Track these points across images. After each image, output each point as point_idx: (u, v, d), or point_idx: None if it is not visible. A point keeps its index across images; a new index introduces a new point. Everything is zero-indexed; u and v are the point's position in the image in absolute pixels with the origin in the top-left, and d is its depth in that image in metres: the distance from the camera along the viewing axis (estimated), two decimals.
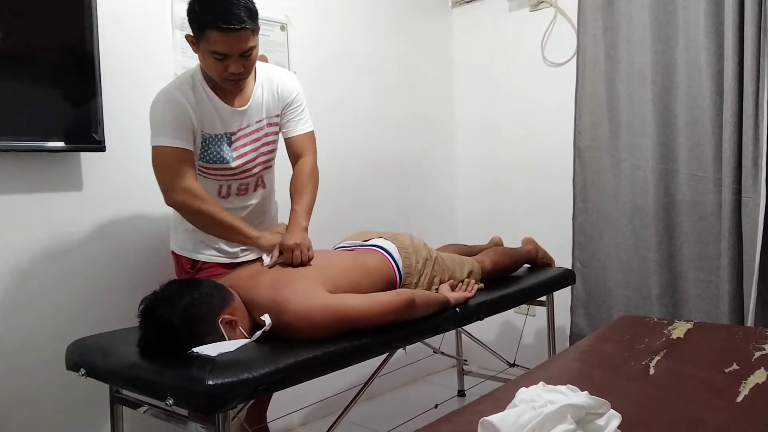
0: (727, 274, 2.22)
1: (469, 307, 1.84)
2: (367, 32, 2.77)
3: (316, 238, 1.80)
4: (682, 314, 2.38)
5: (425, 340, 1.81)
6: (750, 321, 2.16)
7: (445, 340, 2.18)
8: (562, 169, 2.72)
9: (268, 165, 1.85)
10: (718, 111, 2.24)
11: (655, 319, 1.91)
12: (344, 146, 2.64)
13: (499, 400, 1.23)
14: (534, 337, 2.88)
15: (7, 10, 1.63)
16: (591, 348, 1.69)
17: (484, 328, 2.35)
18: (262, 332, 1.44)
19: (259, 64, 1.76)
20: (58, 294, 1.83)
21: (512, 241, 2.46)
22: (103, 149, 1.83)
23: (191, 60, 2.07)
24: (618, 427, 1.07)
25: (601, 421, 1.06)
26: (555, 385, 1.16)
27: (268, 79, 1.79)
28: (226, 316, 1.42)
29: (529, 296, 2.23)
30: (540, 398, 1.09)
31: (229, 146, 1.73)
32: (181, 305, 1.36)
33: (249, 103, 1.75)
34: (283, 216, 1.99)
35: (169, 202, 1.67)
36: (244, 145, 1.76)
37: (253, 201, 1.86)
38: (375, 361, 1.60)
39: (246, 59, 1.61)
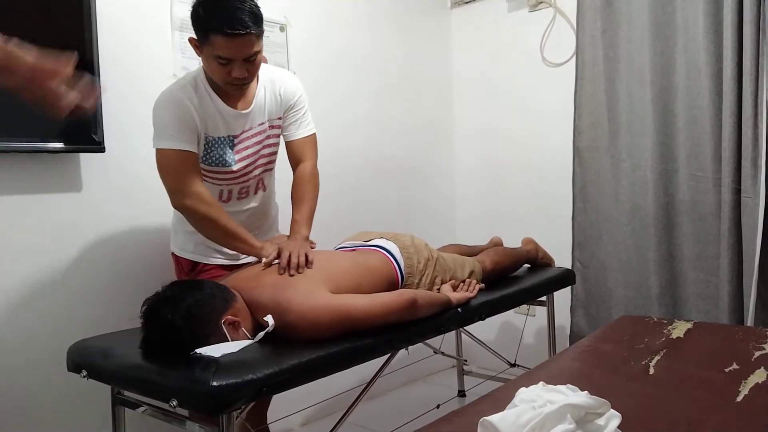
0: (727, 274, 2.23)
1: (470, 307, 1.84)
2: (367, 33, 2.78)
3: (318, 239, 1.80)
4: (681, 314, 2.39)
5: (425, 341, 1.81)
6: (750, 321, 2.16)
7: (445, 340, 2.18)
8: (561, 169, 2.72)
9: (268, 167, 1.85)
10: (718, 111, 2.24)
11: (655, 319, 1.91)
12: (344, 146, 2.64)
13: (499, 400, 1.23)
14: (534, 337, 2.89)
15: (7, 11, 1.63)
16: (591, 348, 1.69)
17: (484, 329, 2.36)
18: (265, 333, 1.44)
19: (261, 66, 1.76)
20: (58, 295, 1.83)
21: (512, 241, 2.46)
22: (102, 150, 1.83)
23: (190, 61, 2.07)
24: (618, 427, 1.07)
25: (600, 421, 1.07)
26: (555, 384, 1.16)
27: (271, 81, 1.78)
28: (229, 317, 1.41)
29: (529, 296, 2.23)
30: (540, 398, 1.09)
31: (232, 149, 1.72)
32: (184, 306, 1.35)
33: (252, 106, 1.73)
34: (283, 218, 1.99)
35: (176, 205, 1.66)
36: (246, 148, 1.75)
37: (254, 204, 1.85)
38: (375, 362, 1.60)
39: (250, 64, 1.60)
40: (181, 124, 1.62)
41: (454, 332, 2.71)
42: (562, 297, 2.56)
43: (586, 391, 1.11)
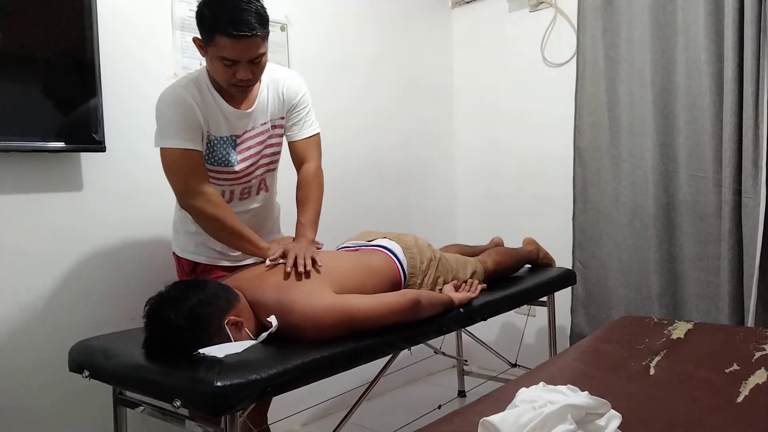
0: (728, 275, 2.23)
1: (472, 307, 1.85)
2: (367, 32, 2.77)
3: (320, 242, 1.80)
4: (682, 314, 2.39)
5: (426, 341, 1.81)
6: (750, 321, 2.16)
7: (446, 340, 2.18)
8: (562, 170, 2.72)
9: (271, 168, 1.84)
10: (718, 111, 2.24)
11: (656, 320, 1.91)
12: (343, 145, 2.64)
13: (500, 400, 1.24)
14: (535, 337, 2.89)
15: (7, 10, 1.63)
16: (591, 348, 1.69)
17: (484, 329, 2.36)
18: (269, 333, 1.44)
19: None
20: (58, 294, 1.83)
21: (513, 241, 2.46)
22: (103, 149, 1.83)
23: (191, 60, 2.08)
24: (618, 428, 1.08)
25: (601, 422, 1.07)
26: (555, 385, 1.16)
27: (274, 81, 1.76)
28: (232, 318, 1.41)
29: (530, 296, 2.23)
30: (540, 398, 1.09)
31: (234, 149, 1.71)
32: (187, 306, 1.35)
33: (254, 106, 1.72)
34: (284, 218, 1.99)
35: (184, 205, 1.65)
36: (249, 148, 1.74)
37: (256, 204, 1.85)
38: (375, 362, 1.60)
39: (255, 66, 1.57)
40: (185, 123, 1.60)
41: (454, 332, 2.71)
42: (563, 297, 2.56)
43: (587, 392, 1.11)
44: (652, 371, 1.48)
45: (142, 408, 1.47)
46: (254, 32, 1.50)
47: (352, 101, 2.71)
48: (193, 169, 1.61)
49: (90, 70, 1.78)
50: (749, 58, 2.12)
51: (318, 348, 1.39)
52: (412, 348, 1.67)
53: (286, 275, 1.54)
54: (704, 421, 1.19)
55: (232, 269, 1.77)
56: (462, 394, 2.81)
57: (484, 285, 1.99)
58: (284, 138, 1.85)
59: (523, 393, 1.13)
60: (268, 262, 1.62)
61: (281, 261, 1.60)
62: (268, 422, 2.00)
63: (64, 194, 1.84)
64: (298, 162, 1.83)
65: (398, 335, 1.56)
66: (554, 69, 2.81)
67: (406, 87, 2.96)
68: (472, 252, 2.23)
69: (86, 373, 1.44)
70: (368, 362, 1.50)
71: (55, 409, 1.81)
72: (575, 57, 2.65)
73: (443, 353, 2.36)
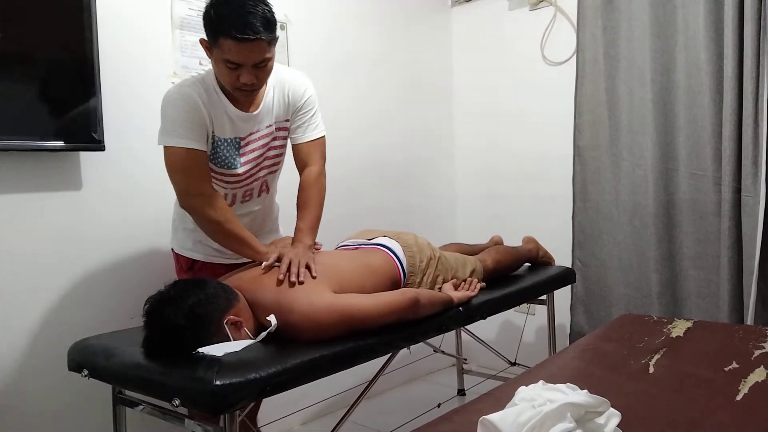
0: (727, 273, 2.23)
1: (472, 306, 1.85)
2: (366, 31, 2.77)
3: (319, 243, 1.80)
4: (681, 313, 2.39)
5: (426, 340, 1.81)
6: (750, 319, 2.17)
7: (445, 339, 2.18)
8: (562, 169, 2.72)
9: (273, 169, 1.82)
10: (718, 110, 2.24)
11: (655, 318, 1.91)
12: (345, 145, 2.63)
13: (499, 398, 1.23)
14: (534, 335, 2.89)
15: (6, 10, 1.63)
16: (591, 346, 1.69)
17: (484, 327, 2.36)
18: (268, 333, 1.44)
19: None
20: (58, 293, 1.83)
21: (512, 240, 2.46)
22: (102, 148, 1.83)
23: (191, 60, 2.08)
24: (617, 426, 1.07)
25: (600, 420, 1.07)
26: (555, 383, 1.16)
27: (280, 82, 1.73)
28: (232, 317, 1.41)
29: (530, 295, 2.23)
30: (540, 397, 1.09)
31: (238, 151, 1.70)
32: (187, 305, 1.35)
33: (260, 108, 1.70)
34: (284, 219, 1.99)
35: (184, 204, 1.65)
36: (252, 150, 1.73)
37: (257, 207, 1.84)
38: (374, 361, 1.60)
39: (260, 70, 1.55)
40: (191, 122, 1.59)
41: (454, 331, 2.71)
42: (563, 296, 2.56)
43: (586, 390, 1.11)
44: (651, 369, 1.48)
45: (141, 407, 1.47)
46: (259, 36, 1.48)
47: (353, 101, 2.71)
48: (196, 170, 1.60)
49: (89, 69, 1.78)
50: (749, 56, 2.12)
51: (317, 347, 1.39)
52: (412, 347, 1.68)
53: (281, 282, 1.52)
54: (704, 419, 1.19)
55: (230, 267, 1.76)
56: (461, 392, 2.81)
57: (484, 284, 1.99)
58: (288, 140, 1.83)
59: (523, 391, 1.13)
60: (264, 264, 1.60)
61: (276, 265, 1.58)
62: (268, 421, 2.00)
63: (64, 193, 1.84)
64: (301, 165, 1.81)
65: (398, 334, 1.56)
66: (554, 68, 2.81)
67: (406, 87, 2.96)
68: (472, 251, 2.23)
69: (85, 372, 1.44)
70: (367, 361, 1.50)
71: (54, 408, 1.81)
72: (575, 56, 2.65)
73: (443, 352, 2.36)
